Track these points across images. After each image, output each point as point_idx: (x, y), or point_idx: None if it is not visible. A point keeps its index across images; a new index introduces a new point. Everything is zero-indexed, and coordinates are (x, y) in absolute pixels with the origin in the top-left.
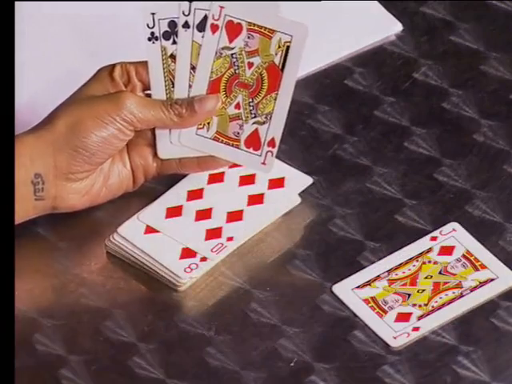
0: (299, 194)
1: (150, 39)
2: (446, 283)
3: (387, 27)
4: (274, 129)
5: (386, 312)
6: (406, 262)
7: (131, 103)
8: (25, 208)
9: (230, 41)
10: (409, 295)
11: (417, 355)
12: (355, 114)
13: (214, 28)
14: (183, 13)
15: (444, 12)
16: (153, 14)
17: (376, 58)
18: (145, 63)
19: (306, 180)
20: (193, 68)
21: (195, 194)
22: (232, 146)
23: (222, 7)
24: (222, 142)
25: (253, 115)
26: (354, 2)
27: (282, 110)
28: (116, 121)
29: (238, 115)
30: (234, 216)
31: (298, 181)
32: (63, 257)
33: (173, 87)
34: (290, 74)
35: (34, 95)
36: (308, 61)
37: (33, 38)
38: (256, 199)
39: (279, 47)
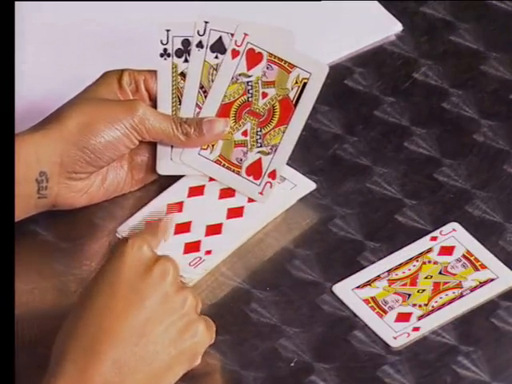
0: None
1: (162, 55)
2: (446, 283)
3: (387, 27)
4: (277, 161)
5: (386, 312)
6: (406, 262)
7: (144, 113)
8: (26, 206)
9: (249, 68)
10: (409, 295)
11: (417, 355)
12: (355, 114)
13: (235, 53)
14: (198, 32)
15: (444, 12)
16: (168, 30)
17: (376, 58)
18: (153, 73)
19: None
20: (201, 88)
21: (175, 207)
22: (233, 171)
23: (246, 34)
24: (223, 165)
25: (258, 144)
26: (353, 2)
27: (289, 145)
28: (126, 127)
29: (243, 142)
30: (213, 229)
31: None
32: (63, 257)
33: (179, 104)
34: (302, 110)
35: (34, 94)
36: None
37: (34, 39)
38: (236, 212)
39: (296, 83)
